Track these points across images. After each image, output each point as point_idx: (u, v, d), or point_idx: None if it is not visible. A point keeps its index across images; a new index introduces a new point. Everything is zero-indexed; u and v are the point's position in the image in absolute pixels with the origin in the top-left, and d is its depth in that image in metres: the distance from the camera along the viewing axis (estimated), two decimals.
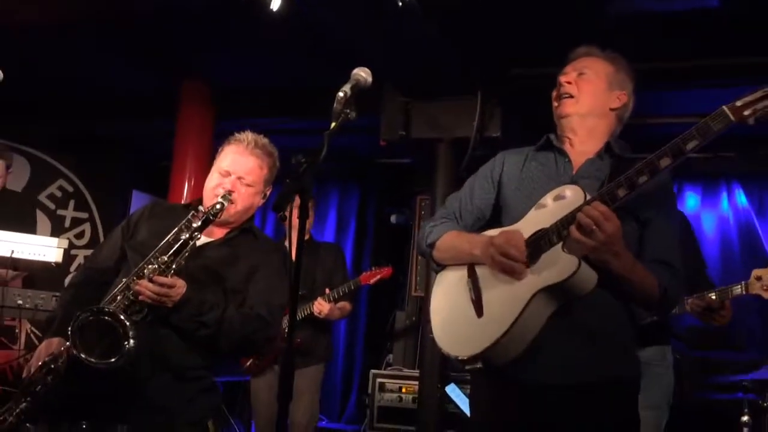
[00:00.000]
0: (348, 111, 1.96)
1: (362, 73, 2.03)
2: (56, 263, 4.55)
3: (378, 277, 4.28)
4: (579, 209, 1.93)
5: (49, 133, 5.87)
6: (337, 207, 6.80)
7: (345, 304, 4.32)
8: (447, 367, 4.36)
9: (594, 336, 2.03)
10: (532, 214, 2.12)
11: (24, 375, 2.35)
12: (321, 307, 4.17)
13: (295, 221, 1.86)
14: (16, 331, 4.39)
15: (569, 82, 2.22)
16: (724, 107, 1.84)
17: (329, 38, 4.24)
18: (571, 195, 2.02)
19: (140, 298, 2.26)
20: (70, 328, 2.20)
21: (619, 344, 2.10)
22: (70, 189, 5.92)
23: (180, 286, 2.29)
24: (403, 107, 4.55)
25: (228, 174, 2.51)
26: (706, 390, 4.40)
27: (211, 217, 2.37)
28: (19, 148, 5.79)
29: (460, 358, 2.07)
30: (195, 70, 4.78)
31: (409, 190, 5.94)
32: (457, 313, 2.15)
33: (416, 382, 4.48)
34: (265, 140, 2.61)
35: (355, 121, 1.98)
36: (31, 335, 5.19)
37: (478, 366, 2.03)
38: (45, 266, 4.54)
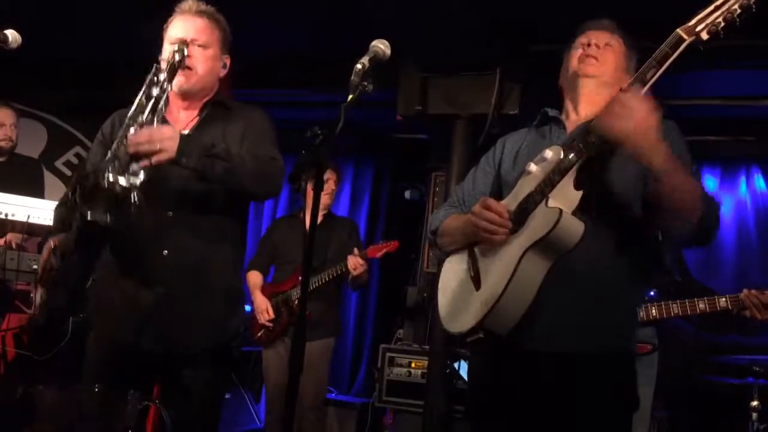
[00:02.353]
0: (366, 83, 1.94)
1: (381, 45, 2.01)
2: None
3: (384, 250, 4.29)
4: (557, 163, 1.96)
5: (66, 100, 5.88)
6: (352, 181, 6.78)
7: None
8: (455, 345, 4.37)
9: (597, 304, 2.01)
10: (519, 183, 2.12)
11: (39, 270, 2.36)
12: (356, 262, 4.19)
13: (311, 193, 1.86)
14: (31, 295, 4.43)
15: (598, 46, 2.18)
16: (678, 29, 1.88)
17: (348, 8, 4.20)
18: (552, 154, 2.01)
19: (132, 149, 2.13)
20: (70, 193, 2.16)
21: (622, 315, 2.08)
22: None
23: (169, 129, 2.21)
24: (420, 82, 4.51)
25: (181, 42, 2.38)
26: (715, 374, 4.39)
27: (176, 65, 2.29)
28: (36, 114, 5.82)
29: (462, 332, 2.07)
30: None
31: (424, 166, 5.91)
32: (458, 292, 2.18)
33: (426, 358, 4.50)
34: (209, 6, 2.52)
35: (373, 94, 1.97)
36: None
37: (480, 336, 2.03)
38: None
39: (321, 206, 4.46)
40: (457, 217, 2.30)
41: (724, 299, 3.17)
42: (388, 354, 4.84)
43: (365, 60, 1.97)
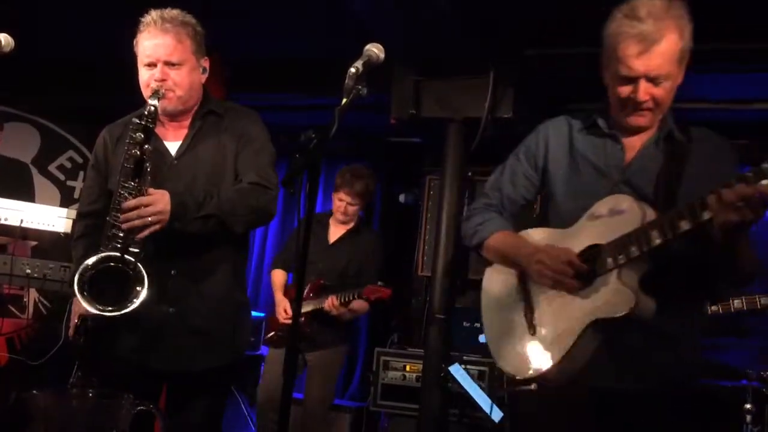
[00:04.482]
0: (359, 87, 1.94)
1: (374, 49, 2.01)
2: (65, 234, 4.58)
3: (378, 295, 4.18)
4: (637, 233, 1.83)
5: (60, 104, 5.87)
6: None
7: (361, 305, 4.25)
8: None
9: (664, 340, 1.96)
10: (584, 224, 2.01)
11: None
12: (331, 305, 4.13)
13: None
14: (24, 300, 4.43)
15: (647, 99, 1.97)
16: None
17: (342, 12, 4.21)
18: (628, 212, 1.90)
19: (126, 226, 2.22)
20: (77, 288, 2.21)
21: (688, 349, 2.02)
22: (80, 160, 5.92)
23: (159, 197, 2.24)
24: (414, 85, 4.51)
25: (153, 64, 2.39)
26: (710, 376, 4.40)
27: (149, 125, 2.29)
28: (29, 118, 5.80)
29: (512, 375, 2.03)
30: (209, 41, 4.75)
31: (418, 169, 5.91)
32: (508, 325, 2.09)
33: (420, 361, 4.50)
34: (173, 12, 2.44)
35: (367, 98, 1.97)
36: (39, 305, 5.23)
37: (531, 387, 1.98)
38: (54, 236, 4.56)
39: (341, 221, 4.41)
40: (506, 238, 2.16)
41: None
42: (383, 357, 4.83)
43: (359, 64, 1.97)
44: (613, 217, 1.93)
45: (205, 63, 2.51)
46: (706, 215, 1.73)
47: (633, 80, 1.95)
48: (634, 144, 2.07)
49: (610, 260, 1.89)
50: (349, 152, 6.57)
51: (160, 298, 2.34)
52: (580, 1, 3.72)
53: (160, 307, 2.36)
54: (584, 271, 1.93)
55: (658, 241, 1.82)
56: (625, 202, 1.93)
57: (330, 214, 4.54)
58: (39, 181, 5.79)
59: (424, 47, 4.29)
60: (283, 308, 4.34)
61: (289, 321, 4.29)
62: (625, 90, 1.98)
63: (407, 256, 5.68)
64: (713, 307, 3.14)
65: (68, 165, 5.95)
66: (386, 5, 3.86)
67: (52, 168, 5.91)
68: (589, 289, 1.93)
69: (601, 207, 1.98)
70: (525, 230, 2.19)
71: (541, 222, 2.21)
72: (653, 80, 1.94)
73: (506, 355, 2.08)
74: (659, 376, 1.96)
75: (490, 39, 4.24)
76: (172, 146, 2.48)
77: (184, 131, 2.49)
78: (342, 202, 4.38)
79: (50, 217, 4.60)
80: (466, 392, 4.16)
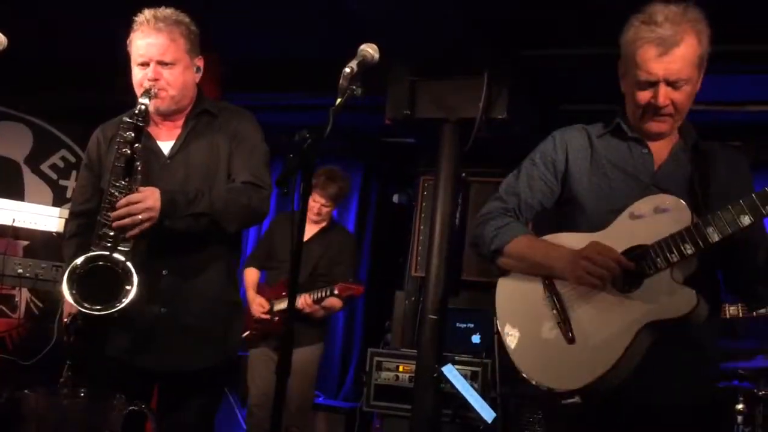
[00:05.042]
0: (354, 87, 1.94)
1: (369, 50, 2.01)
2: (57, 233, 4.56)
3: (350, 292, 4.25)
4: (689, 231, 1.80)
5: (52, 103, 5.85)
6: None
7: (334, 302, 4.28)
8: (444, 348, 4.38)
9: (697, 353, 1.94)
10: (624, 223, 1.94)
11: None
12: (304, 303, 4.18)
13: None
14: (16, 300, 4.41)
15: (667, 104, 1.95)
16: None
17: (338, 12, 4.21)
18: (674, 210, 1.86)
19: (116, 224, 2.22)
20: (66, 287, 2.21)
21: (716, 363, 2.03)
22: (73, 159, 5.90)
23: (149, 194, 2.24)
24: (409, 86, 4.51)
25: (146, 63, 2.38)
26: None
27: (140, 124, 2.29)
28: (22, 117, 5.78)
29: (555, 390, 1.92)
30: (204, 40, 4.75)
31: (412, 170, 5.91)
32: (540, 336, 1.98)
33: (413, 362, 4.50)
34: (167, 11, 2.42)
35: (361, 98, 1.97)
36: (31, 304, 5.21)
37: (575, 400, 1.88)
38: (46, 236, 4.54)
39: (314, 221, 4.46)
40: (533, 243, 2.06)
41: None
42: (376, 358, 4.83)
43: (353, 64, 1.97)
44: (657, 215, 1.88)
45: (199, 62, 2.50)
46: None
47: (653, 84, 1.94)
48: (661, 149, 2.05)
49: (660, 260, 1.84)
50: (343, 152, 6.58)
51: (151, 298, 2.33)
52: (574, 3, 3.74)
53: (152, 307, 2.35)
54: (632, 270, 1.86)
55: (717, 237, 1.78)
56: (670, 200, 1.89)
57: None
58: (31, 180, 5.77)
59: (420, 48, 4.29)
60: (259, 303, 4.37)
61: (267, 316, 4.33)
62: (644, 95, 1.96)
63: (401, 257, 5.69)
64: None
65: (61, 164, 5.93)
66: (383, 6, 3.87)
67: (44, 167, 5.89)
68: (638, 291, 1.86)
69: (643, 206, 1.92)
70: (549, 235, 2.08)
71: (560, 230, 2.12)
72: (673, 84, 1.93)
73: (542, 367, 1.96)
74: (697, 390, 1.95)
75: (485, 39, 4.25)
76: (165, 146, 2.47)
77: (178, 131, 2.48)
78: (316, 203, 4.42)
79: (42, 216, 4.58)
80: (459, 393, 4.16)
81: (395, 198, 6.33)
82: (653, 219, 1.89)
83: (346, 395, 6.22)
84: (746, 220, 1.76)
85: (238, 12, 4.46)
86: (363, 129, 5.63)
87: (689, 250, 1.81)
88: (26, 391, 2.12)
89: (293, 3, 4.23)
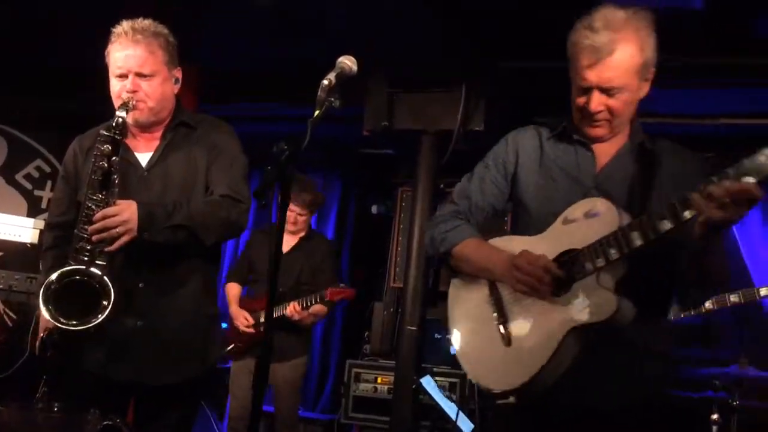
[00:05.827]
0: (332, 99, 1.95)
1: (347, 62, 2.01)
2: (31, 244, 4.50)
3: (342, 296, 4.26)
4: (616, 235, 1.79)
5: (27, 112, 5.79)
6: None
7: (320, 308, 4.31)
8: (423, 359, 4.38)
9: (635, 357, 1.94)
10: (559, 228, 1.96)
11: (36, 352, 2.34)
12: (294, 311, 4.18)
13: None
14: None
15: (600, 111, 1.97)
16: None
17: (316, 24, 4.22)
18: (604, 214, 1.87)
19: (94, 238, 2.21)
20: (42, 303, 2.18)
21: (660, 363, 2.02)
22: (48, 169, 5.84)
23: (125, 208, 2.23)
24: (387, 98, 4.53)
25: (124, 75, 2.36)
26: (676, 387, 4.45)
27: (117, 137, 2.28)
28: None
29: (490, 390, 1.98)
30: (182, 51, 4.74)
31: (391, 181, 5.93)
32: (482, 337, 2.04)
33: (392, 373, 4.49)
34: (145, 22, 2.41)
35: (340, 109, 1.97)
36: (5, 316, 5.13)
37: (510, 400, 1.93)
38: (20, 247, 4.49)
39: (292, 231, 4.46)
40: (478, 247, 2.09)
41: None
42: (355, 369, 4.82)
43: (332, 76, 1.97)
44: (588, 220, 1.90)
45: (178, 73, 2.50)
46: (688, 214, 1.71)
47: (587, 90, 1.96)
48: (605, 151, 2.05)
49: (588, 264, 1.85)
50: (322, 163, 6.58)
51: (127, 312, 2.31)
52: (552, 16, 3.78)
53: (128, 321, 2.33)
54: (561, 277, 1.89)
55: (639, 242, 1.78)
56: (600, 204, 1.90)
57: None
58: (5, 191, 5.70)
59: (398, 60, 4.32)
60: (243, 316, 4.37)
61: (251, 330, 4.32)
62: (581, 100, 1.99)
63: (380, 267, 5.68)
64: (708, 305, 3.11)
65: (36, 174, 5.87)
66: (361, 18, 3.89)
67: (19, 177, 5.82)
68: (567, 295, 1.88)
69: (576, 210, 1.94)
70: (495, 238, 2.13)
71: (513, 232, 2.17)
72: (606, 91, 1.94)
73: (481, 368, 2.03)
74: (635, 392, 1.95)
75: (463, 52, 4.28)
76: (143, 158, 2.46)
77: (156, 143, 2.47)
78: (292, 213, 4.42)
79: (16, 227, 4.53)
80: (438, 404, 4.16)
81: (374, 209, 6.34)
82: (585, 223, 1.90)
83: (324, 407, 6.19)
84: (666, 225, 1.75)
85: (215, 22, 4.45)
86: (341, 140, 5.64)
87: (614, 255, 1.82)
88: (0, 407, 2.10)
89: (271, 14, 4.23)
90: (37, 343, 2.31)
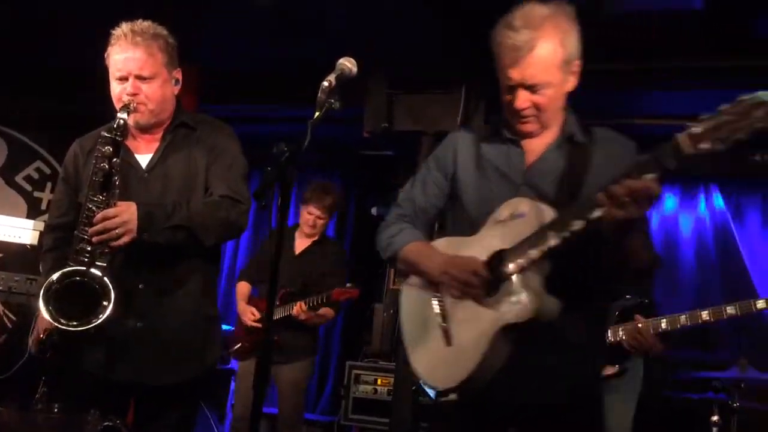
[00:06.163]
0: (332, 100, 1.95)
1: (347, 63, 2.02)
2: (31, 245, 4.50)
3: (347, 296, 4.25)
4: (535, 236, 1.83)
5: (27, 113, 5.79)
6: None
7: (327, 310, 4.30)
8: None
9: (568, 352, 1.98)
10: (489, 229, 2.00)
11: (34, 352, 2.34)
12: (300, 310, 4.17)
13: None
14: None
15: (526, 107, 1.99)
16: (679, 137, 1.65)
17: (316, 25, 4.22)
18: (528, 214, 1.91)
19: (94, 240, 2.21)
20: (42, 303, 2.18)
21: (593, 360, 2.05)
22: (48, 171, 5.85)
23: (125, 209, 2.23)
24: (387, 99, 4.54)
25: (124, 78, 2.36)
26: (676, 389, 4.45)
27: (118, 138, 2.29)
28: None
29: (436, 388, 2.05)
30: (181, 52, 4.74)
31: (391, 182, 5.92)
32: (426, 336, 2.10)
33: (392, 375, 4.49)
34: (144, 24, 2.40)
35: (340, 111, 1.98)
36: (4, 318, 5.14)
37: (451, 398, 2.00)
38: (20, 248, 4.49)
39: (308, 234, 4.46)
40: (419, 250, 2.14)
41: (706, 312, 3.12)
42: (354, 371, 4.82)
43: (332, 77, 1.97)
44: (514, 221, 1.94)
45: (178, 75, 2.50)
46: (596, 213, 1.73)
47: (513, 88, 1.98)
48: (535, 147, 2.06)
49: (512, 265, 1.90)
50: (321, 165, 6.59)
51: (127, 313, 2.31)
52: None
53: (128, 322, 2.33)
54: (489, 279, 1.93)
55: (554, 242, 1.82)
56: (523, 204, 1.94)
57: (295, 227, 4.58)
58: (5, 192, 5.70)
59: (398, 61, 4.32)
60: (250, 311, 4.36)
61: (258, 324, 4.31)
62: (508, 98, 2.02)
63: (379, 269, 5.68)
64: (704, 315, 3.10)
65: (35, 176, 5.87)
66: (361, 19, 3.89)
67: (18, 178, 5.82)
68: (496, 296, 1.93)
69: (503, 211, 1.98)
70: (437, 239, 2.18)
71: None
72: (530, 88, 1.96)
73: (427, 366, 2.08)
74: (567, 389, 1.98)
75: (462, 52, 4.28)
76: (143, 159, 2.46)
77: (156, 144, 2.47)
78: (311, 216, 4.43)
79: (16, 228, 4.53)
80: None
81: (374, 210, 6.33)
82: (511, 224, 1.94)
83: (323, 408, 6.19)
84: (578, 224, 1.77)
85: (215, 23, 4.46)
86: (341, 141, 5.65)
87: (534, 255, 1.85)
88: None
89: (271, 14, 4.23)
90: (37, 344, 2.31)
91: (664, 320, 3.07)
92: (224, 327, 4.51)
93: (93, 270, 2.21)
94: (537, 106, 1.98)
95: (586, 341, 2.01)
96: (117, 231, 2.20)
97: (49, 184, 5.90)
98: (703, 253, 5.55)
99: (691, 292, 5.44)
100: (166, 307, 2.38)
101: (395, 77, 4.52)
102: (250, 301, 4.50)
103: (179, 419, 2.44)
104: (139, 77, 2.36)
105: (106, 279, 2.20)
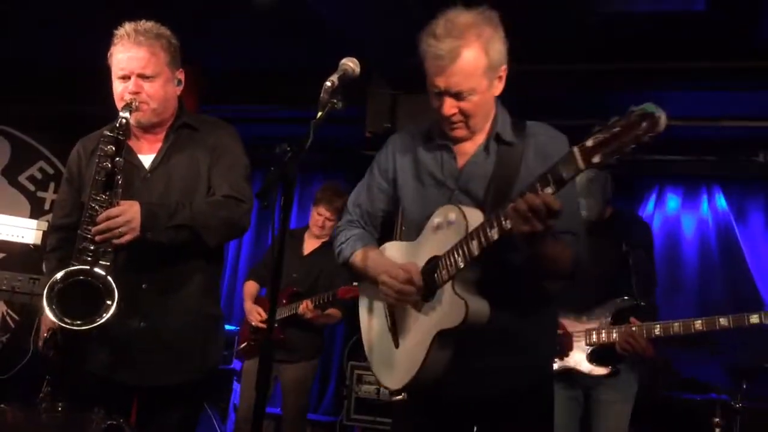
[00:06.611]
0: (335, 101, 1.95)
1: (350, 63, 2.02)
2: (34, 245, 4.52)
3: (353, 294, 4.23)
4: (461, 244, 1.86)
5: (30, 114, 5.81)
6: None
7: (334, 311, 4.31)
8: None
9: (511, 350, 2.01)
10: (428, 235, 2.05)
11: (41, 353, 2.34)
12: (306, 309, 4.18)
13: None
14: None
15: (453, 114, 2.00)
16: (575, 149, 1.62)
17: (319, 26, 4.23)
18: (456, 222, 1.93)
19: (98, 239, 2.22)
20: (46, 303, 2.19)
21: (537, 353, 2.09)
22: (51, 171, 5.87)
23: (127, 208, 2.24)
24: (389, 99, 4.54)
25: (127, 77, 2.37)
26: (678, 389, 4.45)
27: (120, 138, 2.29)
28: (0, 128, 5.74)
29: (388, 388, 2.16)
30: (183, 52, 4.75)
31: None
32: (378, 338, 2.19)
33: None
34: (147, 24, 2.41)
35: (342, 111, 1.98)
36: (7, 317, 5.15)
37: (401, 397, 2.11)
38: (23, 248, 4.50)
39: (317, 235, 4.48)
40: (367, 254, 2.19)
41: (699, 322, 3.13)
42: (357, 371, 4.82)
43: (335, 78, 1.98)
44: (447, 228, 1.96)
45: (180, 75, 2.50)
46: (508, 224, 1.75)
47: (439, 95, 2.00)
48: (466, 151, 2.08)
49: (444, 272, 1.93)
50: (324, 165, 6.59)
51: (130, 312, 2.32)
52: (552, 17, 3.78)
53: (131, 322, 2.33)
54: (424, 287, 1.97)
55: (477, 252, 1.84)
56: (452, 212, 1.96)
57: (305, 229, 4.59)
58: (8, 192, 5.72)
59: (400, 61, 4.32)
60: (257, 311, 4.37)
61: (264, 324, 4.31)
62: (436, 104, 2.04)
63: None
64: (697, 325, 3.11)
65: (39, 176, 5.89)
66: (362, 19, 3.89)
67: (22, 179, 5.84)
68: (432, 301, 1.98)
69: (437, 218, 2.01)
70: (385, 244, 2.24)
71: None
72: (456, 95, 1.97)
73: (380, 367, 2.17)
74: (509, 383, 2.01)
75: None
76: (146, 159, 2.46)
77: (158, 144, 2.47)
78: (321, 217, 4.43)
79: (19, 228, 4.54)
80: None
81: None
82: (444, 231, 1.97)
83: (326, 409, 6.19)
84: (495, 233, 1.80)
85: (217, 24, 4.47)
86: (344, 141, 5.65)
87: (460, 262, 1.88)
88: (3, 405, 2.10)
89: (272, 15, 4.24)
90: (41, 343, 2.32)
91: (658, 326, 3.07)
92: (227, 327, 4.53)
93: (96, 269, 2.21)
94: (464, 113, 2.00)
95: (529, 339, 2.04)
96: (120, 230, 2.20)
97: (52, 184, 5.92)
98: (705, 253, 5.55)
99: (693, 292, 5.45)
100: (169, 306, 2.39)
101: (398, 77, 4.52)
102: (258, 301, 4.51)
103: (181, 419, 2.44)
104: (141, 76, 2.37)
105: (109, 278, 2.21)
